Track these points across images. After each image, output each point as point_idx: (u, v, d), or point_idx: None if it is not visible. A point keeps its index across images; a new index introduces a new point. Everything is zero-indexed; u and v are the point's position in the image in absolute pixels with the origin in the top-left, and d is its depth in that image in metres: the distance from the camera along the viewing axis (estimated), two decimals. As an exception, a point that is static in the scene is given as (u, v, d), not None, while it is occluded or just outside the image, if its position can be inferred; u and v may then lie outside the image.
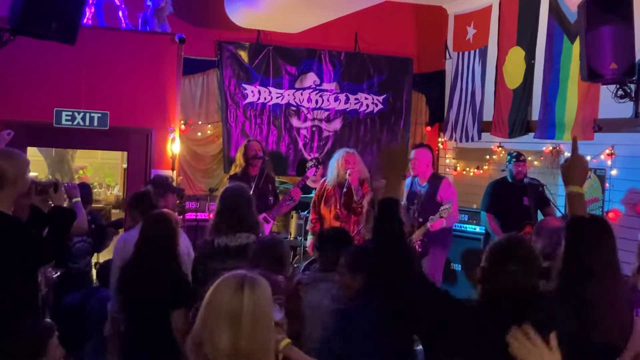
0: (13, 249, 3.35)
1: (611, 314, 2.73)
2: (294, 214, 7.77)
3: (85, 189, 6.21)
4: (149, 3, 7.66)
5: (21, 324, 2.96)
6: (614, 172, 6.63)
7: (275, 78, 8.54)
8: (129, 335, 3.89)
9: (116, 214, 9.86)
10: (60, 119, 7.17)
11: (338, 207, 6.29)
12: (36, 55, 6.87)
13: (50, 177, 7.95)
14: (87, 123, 7.24)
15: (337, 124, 8.87)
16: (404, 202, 7.15)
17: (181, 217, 6.57)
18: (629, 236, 5.05)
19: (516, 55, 7.94)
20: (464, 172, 8.86)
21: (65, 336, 3.07)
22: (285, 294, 3.29)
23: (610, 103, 6.33)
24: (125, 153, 7.97)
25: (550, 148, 7.35)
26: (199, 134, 8.34)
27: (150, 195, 4.59)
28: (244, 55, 8.41)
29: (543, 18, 7.52)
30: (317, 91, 8.75)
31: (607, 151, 6.65)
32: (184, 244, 4.23)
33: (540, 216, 6.68)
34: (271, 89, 8.54)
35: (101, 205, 9.89)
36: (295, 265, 7.04)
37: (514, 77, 7.97)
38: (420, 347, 3.18)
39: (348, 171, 6.19)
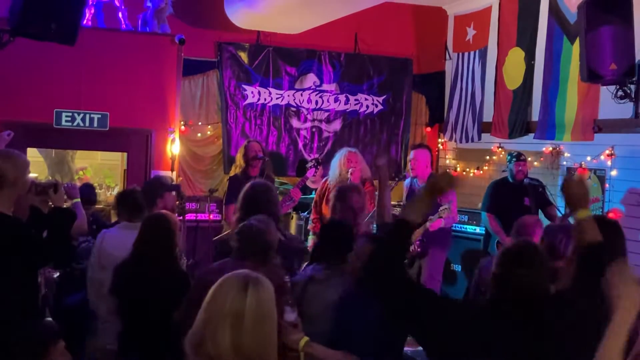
0: (13, 249, 3.35)
1: None
2: (294, 214, 7.77)
3: (89, 190, 6.22)
4: (148, 4, 7.66)
5: (24, 325, 2.97)
6: (613, 173, 6.63)
7: (275, 79, 8.54)
8: (128, 337, 3.88)
9: (115, 216, 9.84)
10: (60, 120, 7.17)
11: (339, 207, 6.28)
12: (36, 56, 6.86)
13: (50, 178, 7.94)
14: (87, 124, 7.24)
15: (337, 125, 8.87)
16: (403, 202, 7.16)
17: (181, 218, 6.57)
18: (629, 236, 5.04)
19: (516, 56, 7.94)
20: (464, 173, 8.85)
21: (65, 336, 3.07)
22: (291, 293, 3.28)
23: (610, 104, 6.33)
24: (125, 154, 7.96)
25: (550, 149, 7.35)
26: (199, 134, 8.34)
27: (136, 193, 4.57)
28: (243, 56, 8.41)
29: (543, 19, 7.53)
30: (317, 92, 8.75)
31: (607, 152, 6.65)
32: None
33: (541, 216, 6.68)
34: (271, 89, 8.54)
35: (101, 206, 9.87)
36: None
37: (513, 78, 7.97)
38: (419, 348, 3.18)
39: (350, 170, 6.20)
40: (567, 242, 3.58)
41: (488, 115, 8.39)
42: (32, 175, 4.62)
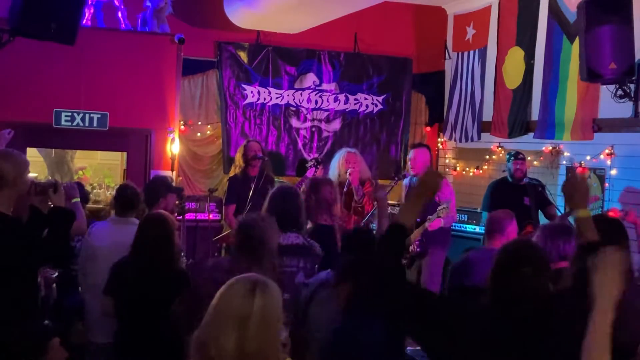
0: (12, 249, 3.35)
1: (630, 314, 2.73)
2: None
3: (79, 189, 6.20)
4: (148, 4, 7.66)
5: (21, 325, 2.96)
6: (613, 172, 6.63)
7: (274, 78, 8.53)
8: (125, 336, 3.88)
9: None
10: (60, 120, 7.17)
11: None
12: (35, 56, 6.86)
13: (50, 177, 7.94)
14: (87, 124, 7.24)
15: (336, 125, 8.87)
16: (402, 201, 7.16)
17: (180, 217, 6.57)
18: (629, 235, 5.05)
19: (516, 55, 7.94)
20: (464, 172, 8.86)
21: (65, 336, 3.07)
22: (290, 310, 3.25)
23: (610, 103, 6.33)
24: (125, 154, 7.96)
25: (550, 148, 7.35)
26: (199, 134, 8.34)
27: (129, 189, 4.56)
28: (243, 55, 8.41)
29: (542, 18, 7.53)
30: (317, 91, 8.75)
31: (607, 151, 6.65)
32: None
33: (541, 216, 6.68)
34: (271, 89, 8.54)
35: (101, 205, 9.88)
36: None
37: (513, 77, 7.97)
38: (419, 348, 3.17)
39: (348, 170, 6.20)
40: (568, 242, 3.58)
41: (488, 115, 8.39)
42: (31, 175, 4.62)
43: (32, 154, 8.25)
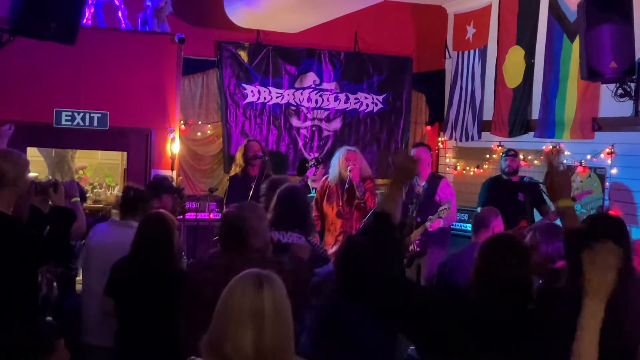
0: (13, 249, 3.35)
1: (631, 314, 2.74)
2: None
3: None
4: (148, 3, 7.65)
5: (21, 324, 2.96)
6: (614, 171, 6.63)
7: (275, 78, 8.53)
8: (125, 337, 3.88)
9: (116, 214, 9.86)
10: (60, 119, 7.17)
11: (340, 204, 6.30)
12: (36, 55, 6.85)
13: (50, 177, 7.94)
14: (87, 123, 7.24)
15: (337, 124, 8.87)
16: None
17: (181, 217, 6.57)
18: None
19: (516, 54, 7.94)
20: (464, 172, 8.86)
21: (65, 336, 3.06)
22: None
23: (610, 102, 6.33)
24: (125, 153, 7.96)
25: (551, 147, 7.35)
26: (199, 134, 8.34)
27: (130, 192, 4.55)
28: (243, 55, 8.41)
29: (543, 17, 7.52)
30: (317, 91, 8.74)
31: (607, 150, 6.65)
32: None
33: (536, 214, 6.71)
34: (271, 88, 8.53)
35: (101, 205, 9.88)
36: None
37: (513, 76, 7.97)
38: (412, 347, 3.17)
39: (349, 168, 6.21)
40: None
41: (488, 114, 8.39)
42: (32, 174, 4.62)
43: (33, 154, 8.25)
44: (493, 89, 8.32)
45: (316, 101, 8.75)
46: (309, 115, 8.74)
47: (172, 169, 7.56)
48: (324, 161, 7.03)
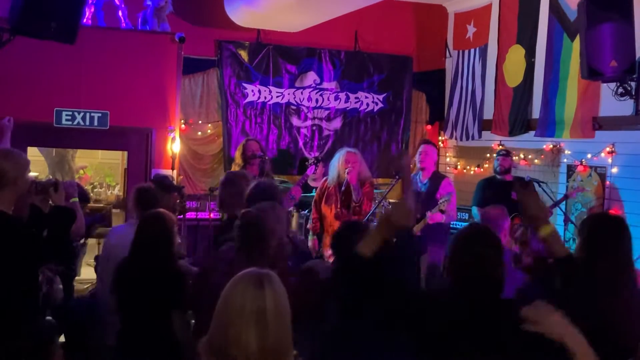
0: (13, 248, 3.35)
1: (631, 314, 2.73)
2: (294, 212, 7.77)
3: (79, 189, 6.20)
4: (148, 2, 7.65)
5: (27, 322, 2.96)
6: (614, 170, 6.63)
7: (275, 77, 8.53)
8: (126, 336, 3.88)
9: (117, 214, 9.86)
10: (61, 119, 7.17)
11: (338, 206, 6.30)
12: (36, 55, 6.85)
13: (51, 177, 7.94)
14: (87, 123, 7.24)
15: (337, 123, 8.87)
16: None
17: (181, 217, 6.56)
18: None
19: (516, 53, 7.94)
20: (465, 171, 8.86)
21: (66, 336, 3.07)
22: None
23: (611, 101, 6.32)
24: (126, 153, 7.96)
25: (551, 146, 7.35)
26: (199, 133, 8.34)
27: (149, 192, 4.55)
28: (244, 54, 8.41)
29: (543, 16, 7.52)
30: (317, 90, 8.74)
31: (608, 149, 6.65)
32: None
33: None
34: (271, 88, 8.54)
35: (102, 204, 9.89)
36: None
37: (514, 76, 7.97)
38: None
39: (347, 170, 6.20)
40: None
41: (488, 113, 8.39)
42: (32, 174, 4.62)
43: (33, 153, 8.26)
44: (493, 88, 8.32)
45: (316, 100, 8.75)
46: (309, 115, 8.74)
47: (172, 169, 7.56)
48: (324, 160, 7.03)
